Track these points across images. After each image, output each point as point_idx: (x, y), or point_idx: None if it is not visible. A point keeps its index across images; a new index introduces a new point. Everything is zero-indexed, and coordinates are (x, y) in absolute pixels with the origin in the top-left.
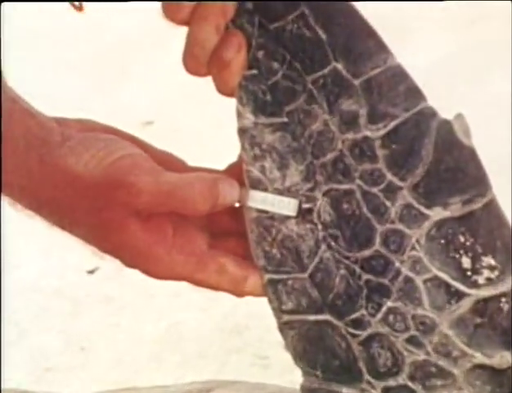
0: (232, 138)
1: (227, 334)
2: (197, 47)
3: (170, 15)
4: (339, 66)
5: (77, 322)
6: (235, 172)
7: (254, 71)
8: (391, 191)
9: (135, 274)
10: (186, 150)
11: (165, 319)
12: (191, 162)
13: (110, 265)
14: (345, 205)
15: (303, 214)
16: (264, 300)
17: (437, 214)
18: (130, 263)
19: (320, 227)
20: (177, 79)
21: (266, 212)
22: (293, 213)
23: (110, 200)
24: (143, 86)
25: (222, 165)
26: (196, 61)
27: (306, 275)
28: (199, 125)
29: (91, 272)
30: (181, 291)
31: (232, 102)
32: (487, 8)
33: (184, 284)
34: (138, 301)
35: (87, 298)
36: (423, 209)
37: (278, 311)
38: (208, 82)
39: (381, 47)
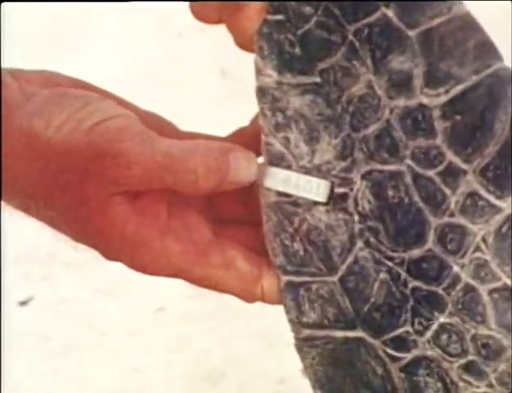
0: (212, 126)
1: (200, 382)
2: None
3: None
4: (390, 13)
5: (5, 368)
6: (243, 141)
7: (280, 16)
8: (451, 175)
9: (80, 304)
10: None
11: (119, 365)
12: None
13: (48, 294)
14: (390, 192)
15: (336, 201)
16: (247, 340)
17: (510, 206)
18: (112, 253)
19: (356, 218)
20: (137, 54)
21: (288, 196)
22: (322, 198)
23: (91, 173)
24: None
25: None
26: (205, 7)
27: (335, 279)
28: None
29: (23, 303)
30: (140, 328)
31: (208, 82)
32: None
33: (143, 318)
34: (85, 340)
35: (18, 337)
36: (492, 199)
37: (297, 324)
38: (174, 58)
39: None
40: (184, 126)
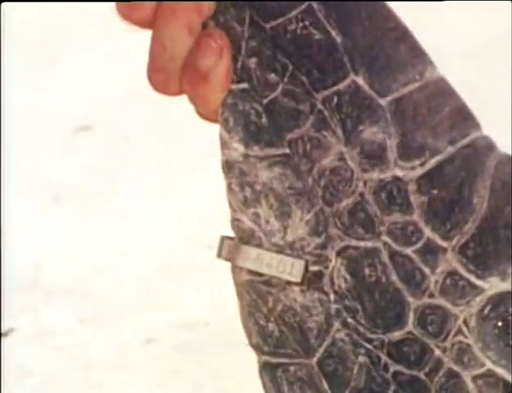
0: (197, 148)
1: None
2: (164, 56)
3: (124, 12)
4: (360, 80)
5: None
6: None
7: (244, 85)
8: (430, 252)
9: (63, 335)
10: (135, 163)
11: None
12: (143, 179)
13: (29, 325)
14: (367, 270)
15: (311, 280)
16: (242, 373)
17: (492, 286)
18: None
19: (332, 297)
20: (121, 70)
21: (260, 274)
22: (296, 278)
23: None
24: (76, 81)
25: (184, 183)
26: (164, 75)
27: (313, 361)
28: (152, 131)
29: (4, 334)
30: (128, 362)
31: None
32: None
33: (132, 350)
34: (68, 375)
35: None
36: (473, 279)
37: None
38: None
39: (417, 54)
40: (182, 125)
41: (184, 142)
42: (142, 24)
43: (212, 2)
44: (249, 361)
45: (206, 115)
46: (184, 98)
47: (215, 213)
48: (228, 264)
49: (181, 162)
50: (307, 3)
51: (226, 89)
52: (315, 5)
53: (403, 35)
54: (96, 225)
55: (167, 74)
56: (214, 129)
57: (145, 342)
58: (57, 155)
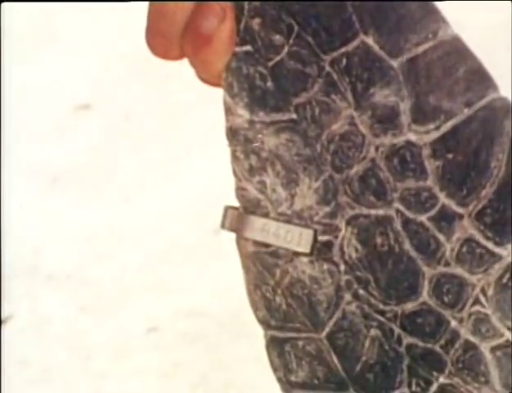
0: (198, 127)
1: None
2: (163, 20)
3: None
4: (370, 40)
5: None
6: None
7: (248, 47)
8: (445, 219)
9: (62, 324)
10: (135, 143)
11: (106, 392)
12: (144, 159)
13: (28, 313)
14: (379, 239)
15: (320, 250)
16: (249, 364)
17: (511, 253)
18: None
19: (343, 268)
20: (121, 48)
21: (267, 246)
22: (305, 249)
23: None
24: (76, 59)
25: (186, 163)
26: (164, 40)
27: (322, 336)
28: (152, 110)
29: (3, 321)
30: (129, 351)
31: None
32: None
33: (133, 339)
34: (68, 365)
35: None
36: (491, 246)
37: (285, 383)
38: None
39: (429, 12)
40: (183, 104)
41: (185, 122)
42: None
43: None
44: (253, 350)
45: (208, 79)
46: (183, 77)
47: (219, 195)
48: (234, 249)
49: (182, 142)
50: None
51: (229, 52)
52: None
53: None
54: (97, 208)
55: (167, 39)
56: (216, 106)
57: (148, 331)
58: (56, 135)
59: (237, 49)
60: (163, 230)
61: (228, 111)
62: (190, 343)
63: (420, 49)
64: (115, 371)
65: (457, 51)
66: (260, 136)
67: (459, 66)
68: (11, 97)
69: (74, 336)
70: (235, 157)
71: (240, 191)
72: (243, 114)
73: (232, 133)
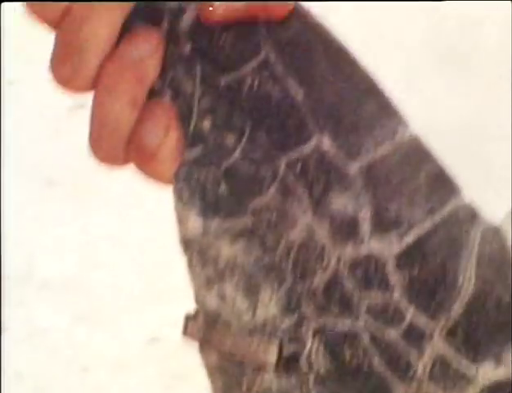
0: None
1: None
2: (106, 128)
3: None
4: (326, 142)
5: None
6: None
7: (199, 150)
8: (415, 335)
9: (58, 335)
10: None
11: None
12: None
13: (21, 324)
14: (347, 353)
15: (287, 360)
16: None
17: (486, 373)
18: None
19: (312, 380)
20: None
21: (232, 355)
22: (271, 359)
23: None
24: None
25: None
26: (108, 148)
27: None
28: None
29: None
30: (129, 363)
31: None
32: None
33: (133, 350)
34: (64, 378)
35: None
36: (464, 365)
37: None
38: None
39: (388, 111)
40: None
41: None
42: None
43: (156, 64)
44: None
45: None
46: None
47: None
48: None
49: None
50: (262, 55)
51: (177, 160)
52: (271, 55)
53: (371, 89)
54: (94, 214)
55: (111, 147)
56: None
57: (148, 342)
58: (52, 135)
59: (187, 153)
60: (162, 236)
61: (180, 222)
62: (193, 354)
63: (379, 153)
64: (114, 384)
65: (417, 153)
66: (216, 244)
67: (419, 171)
68: (11, 98)
69: (69, 347)
70: (191, 267)
71: (201, 300)
72: (196, 221)
73: (186, 243)
